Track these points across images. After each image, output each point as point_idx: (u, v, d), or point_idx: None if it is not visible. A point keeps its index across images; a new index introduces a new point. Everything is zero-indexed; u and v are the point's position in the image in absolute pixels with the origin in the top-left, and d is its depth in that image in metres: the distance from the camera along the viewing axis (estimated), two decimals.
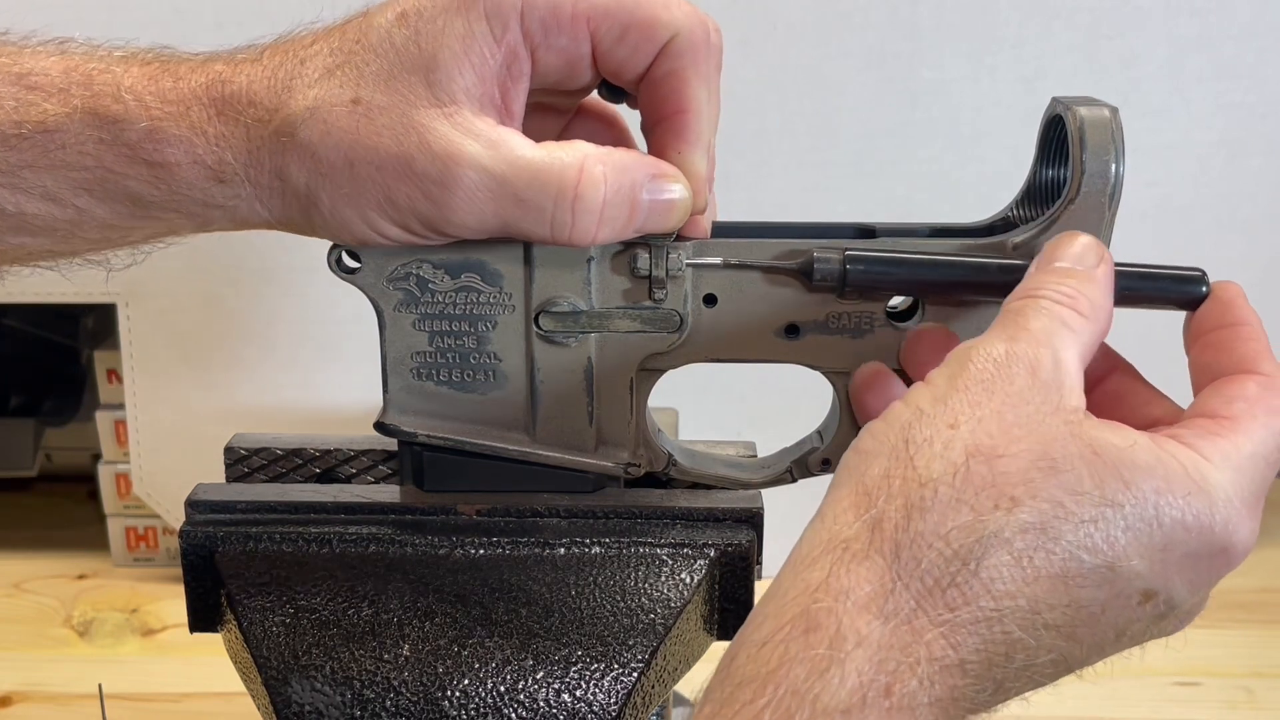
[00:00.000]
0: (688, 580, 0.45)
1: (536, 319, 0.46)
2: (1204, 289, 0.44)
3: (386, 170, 0.42)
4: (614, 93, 0.47)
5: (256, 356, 0.82)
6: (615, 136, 0.49)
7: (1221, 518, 0.37)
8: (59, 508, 0.97)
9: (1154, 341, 0.81)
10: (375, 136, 0.41)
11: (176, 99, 0.43)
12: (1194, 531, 0.37)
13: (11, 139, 0.42)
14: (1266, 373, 0.40)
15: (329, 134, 0.41)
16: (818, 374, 0.48)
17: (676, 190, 0.44)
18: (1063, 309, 0.40)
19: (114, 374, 0.86)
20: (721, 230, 0.48)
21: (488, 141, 0.41)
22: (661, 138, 0.45)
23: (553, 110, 0.48)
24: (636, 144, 0.49)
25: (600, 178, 0.42)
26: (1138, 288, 0.44)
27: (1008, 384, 0.37)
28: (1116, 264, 0.45)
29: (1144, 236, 0.78)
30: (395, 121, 0.41)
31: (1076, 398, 0.38)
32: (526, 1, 0.42)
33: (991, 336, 0.39)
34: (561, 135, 0.49)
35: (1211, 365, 0.42)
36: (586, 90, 0.47)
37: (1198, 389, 0.42)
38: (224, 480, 0.52)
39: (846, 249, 0.45)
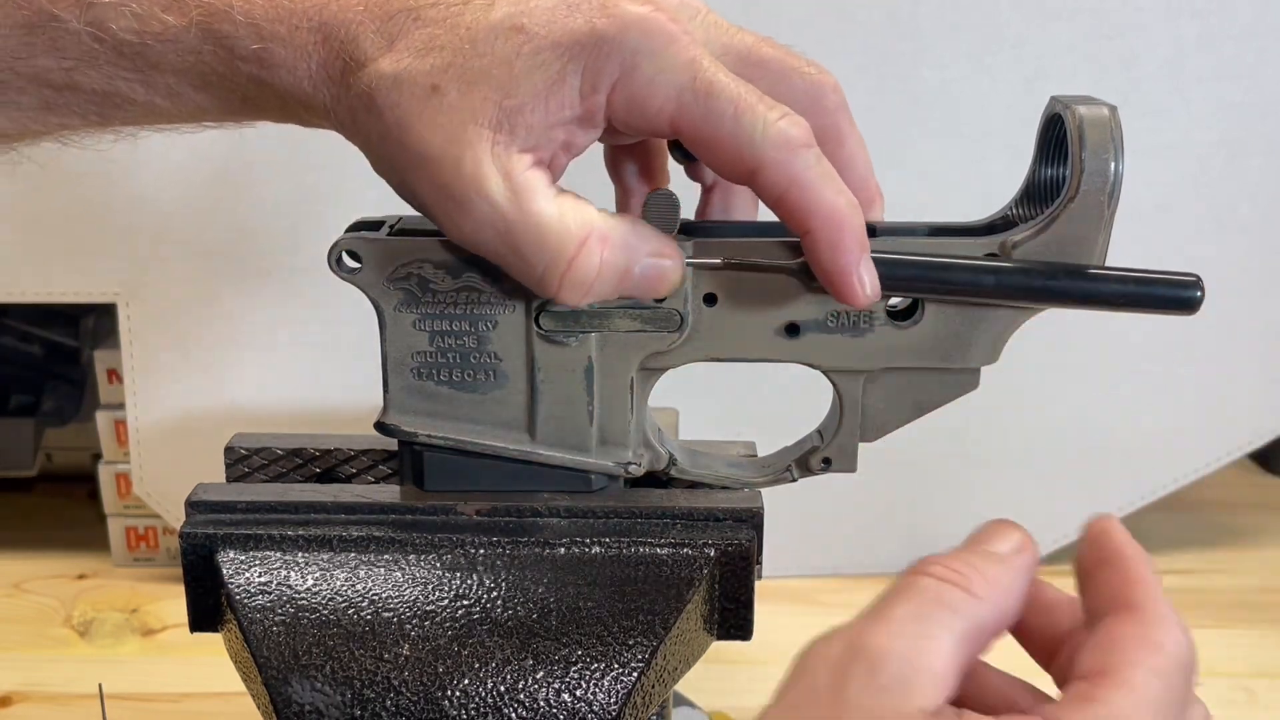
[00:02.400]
0: (688, 580, 0.45)
1: (537, 318, 0.46)
2: (1198, 293, 0.44)
3: (422, 162, 0.42)
4: (686, 156, 0.47)
5: (256, 356, 0.82)
6: (650, 177, 0.51)
7: None
8: (59, 508, 0.97)
9: (1158, 344, 0.80)
10: (430, 132, 0.42)
11: (287, 18, 0.43)
12: None
13: (135, 45, 0.44)
14: (1137, 606, 0.36)
15: (399, 106, 0.42)
16: (818, 374, 0.48)
17: (668, 267, 0.45)
18: (945, 587, 0.36)
19: (114, 374, 0.86)
20: (721, 230, 0.48)
21: (512, 184, 0.42)
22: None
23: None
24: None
25: (598, 256, 0.43)
26: (1131, 293, 0.44)
27: (839, 693, 0.34)
28: (1112, 268, 0.45)
29: (1144, 236, 0.78)
30: (452, 125, 0.42)
31: (929, 694, 0.34)
32: (623, 78, 0.42)
33: (839, 631, 0.35)
34: (617, 150, 0.51)
35: (1093, 611, 0.37)
36: None
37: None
38: (224, 480, 0.52)
39: None
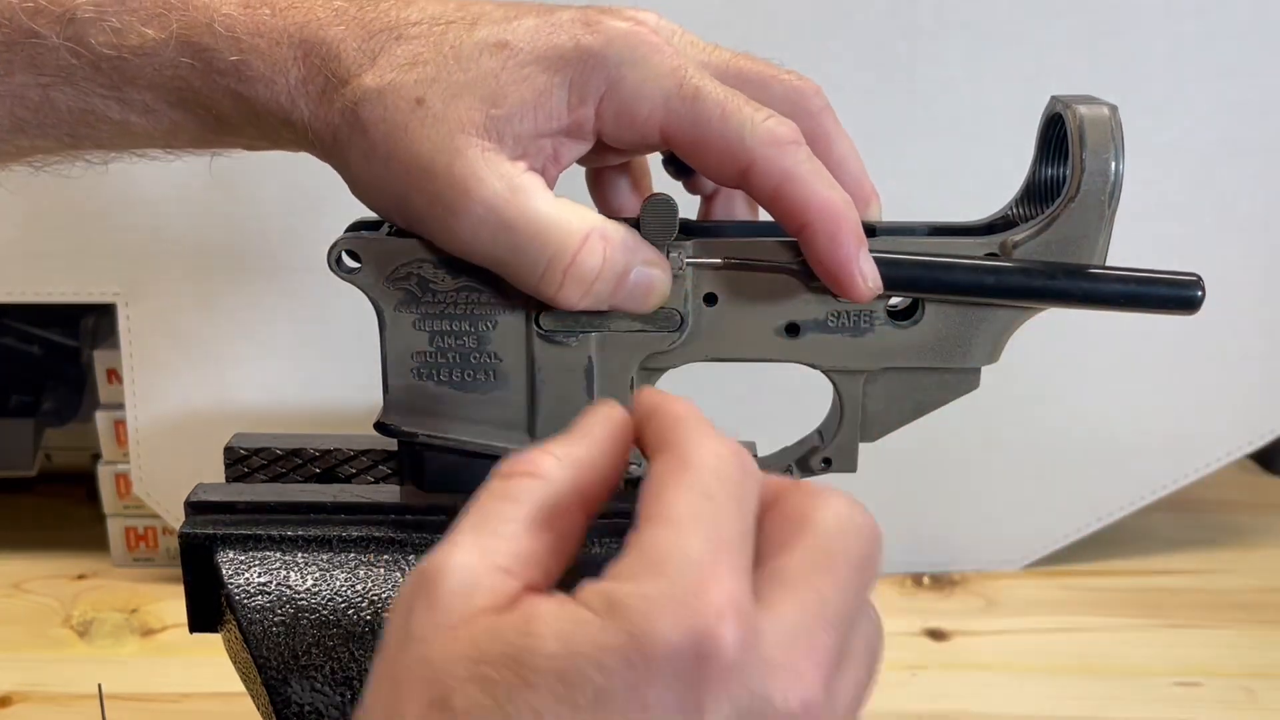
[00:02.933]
0: None
1: (537, 318, 0.46)
2: (1199, 293, 0.44)
3: (412, 174, 0.43)
4: (680, 170, 0.47)
5: (256, 356, 0.82)
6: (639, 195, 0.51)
7: (639, 626, 0.29)
8: (59, 508, 0.97)
9: (1158, 344, 0.80)
10: (418, 142, 0.42)
11: (267, 32, 0.44)
12: (614, 662, 0.29)
13: (113, 59, 0.44)
14: (667, 443, 0.34)
15: (384, 120, 0.42)
16: (818, 374, 0.48)
17: (658, 278, 0.45)
18: (509, 482, 0.33)
19: (114, 374, 0.86)
20: (722, 230, 0.48)
21: (509, 185, 0.42)
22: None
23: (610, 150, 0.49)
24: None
25: (600, 253, 0.43)
26: (1132, 292, 0.44)
27: (405, 632, 0.31)
28: (1113, 267, 0.45)
29: (1144, 236, 0.78)
30: (440, 134, 0.42)
31: (494, 593, 0.31)
32: (611, 89, 0.43)
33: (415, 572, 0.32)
34: (600, 173, 0.51)
35: None
36: (650, 151, 0.49)
37: None
38: (224, 480, 0.52)
39: None
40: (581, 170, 0.51)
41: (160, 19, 0.44)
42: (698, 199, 0.52)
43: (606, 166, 0.51)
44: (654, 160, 0.52)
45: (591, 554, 0.46)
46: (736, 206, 0.51)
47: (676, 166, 0.48)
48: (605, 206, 0.52)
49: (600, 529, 0.47)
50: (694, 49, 0.46)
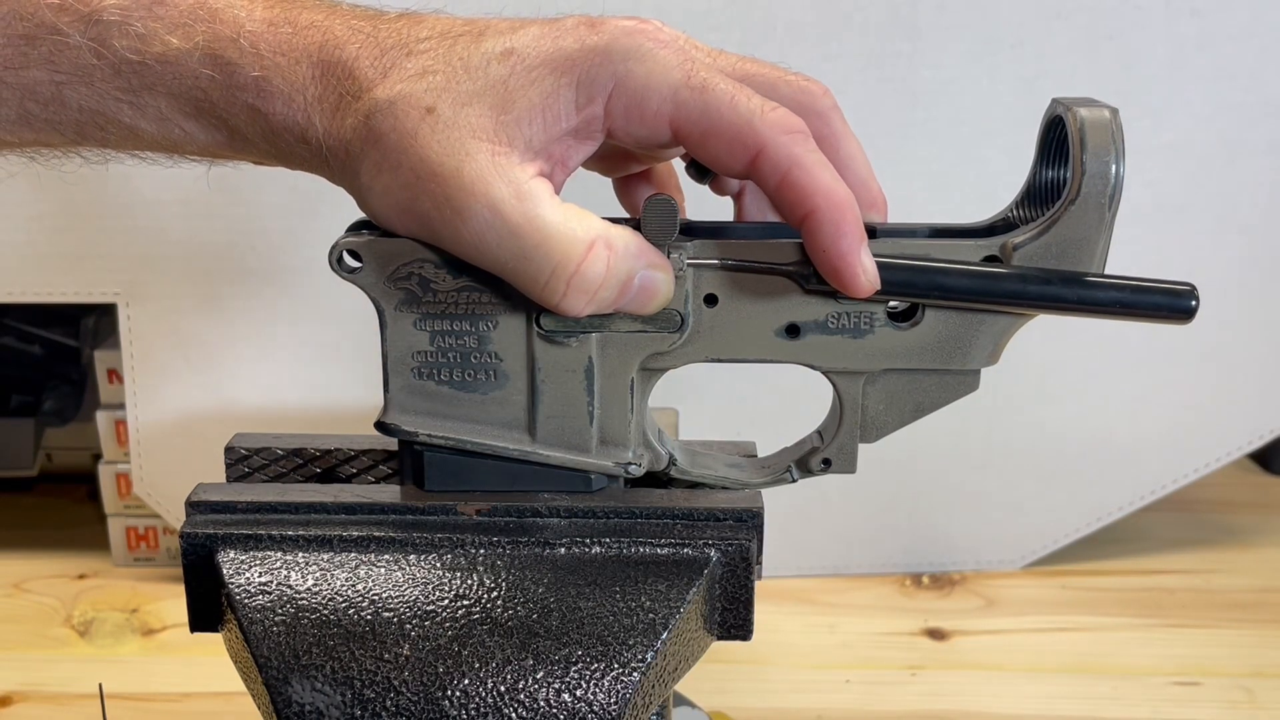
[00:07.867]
0: (688, 580, 0.45)
1: (538, 318, 0.46)
2: (1193, 302, 0.44)
3: (422, 179, 0.43)
4: (701, 173, 0.47)
5: (256, 356, 0.82)
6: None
7: None
8: (59, 508, 0.97)
9: (1158, 344, 0.80)
10: (428, 148, 0.43)
11: (289, 50, 0.44)
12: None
13: (134, 64, 0.44)
14: None
15: (395, 129, 0.43)
16: (818, 374, 0.48)
17: (662, 280, 0.45)
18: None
19: (114, 374, 0.86)
20: (723, 231, 0.48)
21: (516, 190, 0.43)
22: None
23: (631, 156, 0.50)
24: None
25: (604, 261, 0.43)
26: (1127, 300, 0.44)
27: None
28: (1108, 275, 0.45)
29: (1144, 237, 0.78)
30: (450, 140, 0.43)
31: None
32: (619, 84, 0.43)
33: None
34: (625, 181, 0.52)
35: None
36: (670, 156, 0.49)
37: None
38: (224, 480, 0.52)
39: None
40: (587, 170, 0.51)
41: (186, 29, 0.44)
42: (699, 202, 0.52)
43: (630, 174, 0.51)
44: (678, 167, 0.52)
45: (591, 554, 0.46)
46: (768, 204, 0.51)
47: (698, 169, 0.48)
48: (635, 213, 0.52)
49: (600, 529, 0.47)
50: (699, 52, 0.46)
